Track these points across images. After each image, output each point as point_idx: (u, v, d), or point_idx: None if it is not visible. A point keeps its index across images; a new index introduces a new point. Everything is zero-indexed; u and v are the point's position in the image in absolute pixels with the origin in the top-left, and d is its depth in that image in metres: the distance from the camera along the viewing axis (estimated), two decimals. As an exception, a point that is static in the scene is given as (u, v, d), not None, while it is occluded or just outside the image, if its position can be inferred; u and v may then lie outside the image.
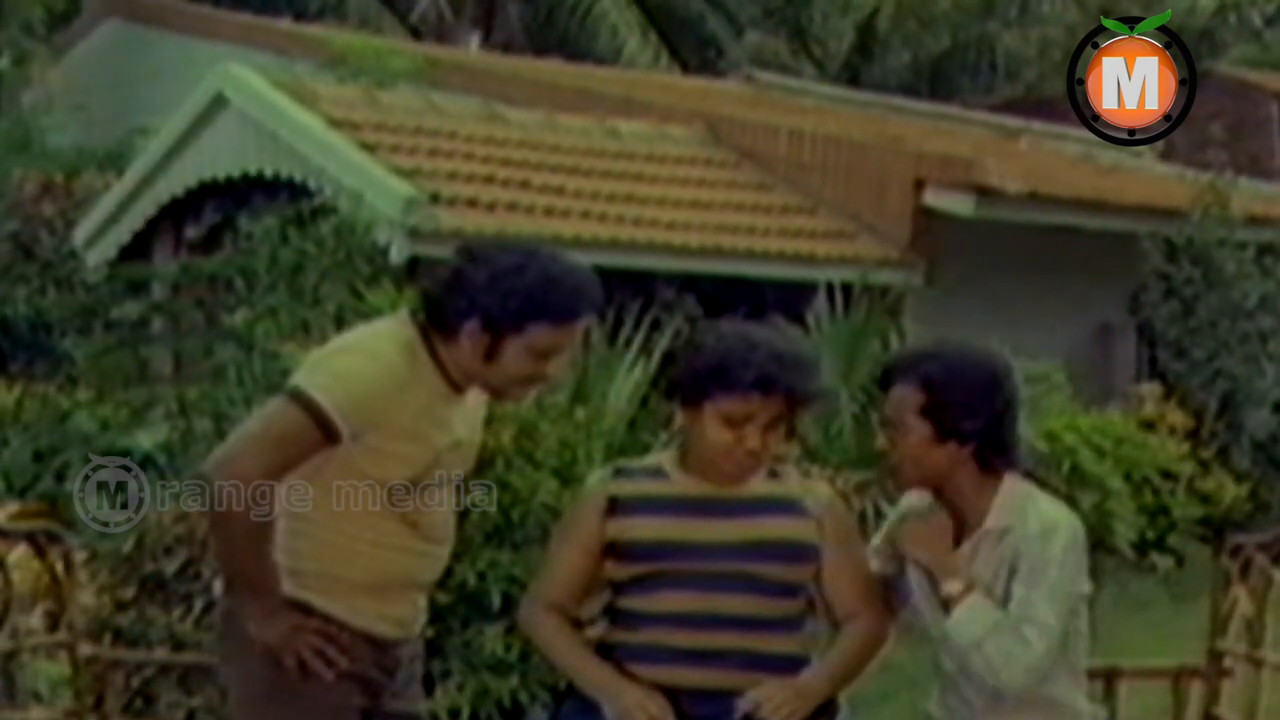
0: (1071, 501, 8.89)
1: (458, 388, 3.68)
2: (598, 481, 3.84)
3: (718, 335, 3.72)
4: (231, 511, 3.50)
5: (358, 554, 3.63)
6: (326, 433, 3.53)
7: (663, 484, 3.73)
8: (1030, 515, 3.61)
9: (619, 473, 3.81)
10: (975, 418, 3.61)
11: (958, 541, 3.69)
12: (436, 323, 3.63)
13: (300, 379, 3.59)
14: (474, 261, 3.61)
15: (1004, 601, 3.58)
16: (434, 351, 3.64)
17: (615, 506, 3.71)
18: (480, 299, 3.56)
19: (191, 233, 12.29)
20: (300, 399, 3.54)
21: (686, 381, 3.68)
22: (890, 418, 3.69)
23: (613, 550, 3.70)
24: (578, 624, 3.80)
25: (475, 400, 3.78)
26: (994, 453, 3.65)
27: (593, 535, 3.71)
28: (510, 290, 3.55)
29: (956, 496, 3.68)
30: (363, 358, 3.61)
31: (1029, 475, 3.77)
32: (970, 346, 3.78)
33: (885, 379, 3.74)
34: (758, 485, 3.73)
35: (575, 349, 3.76)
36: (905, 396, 3.65)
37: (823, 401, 3.77)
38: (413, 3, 20.40)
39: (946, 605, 3.60)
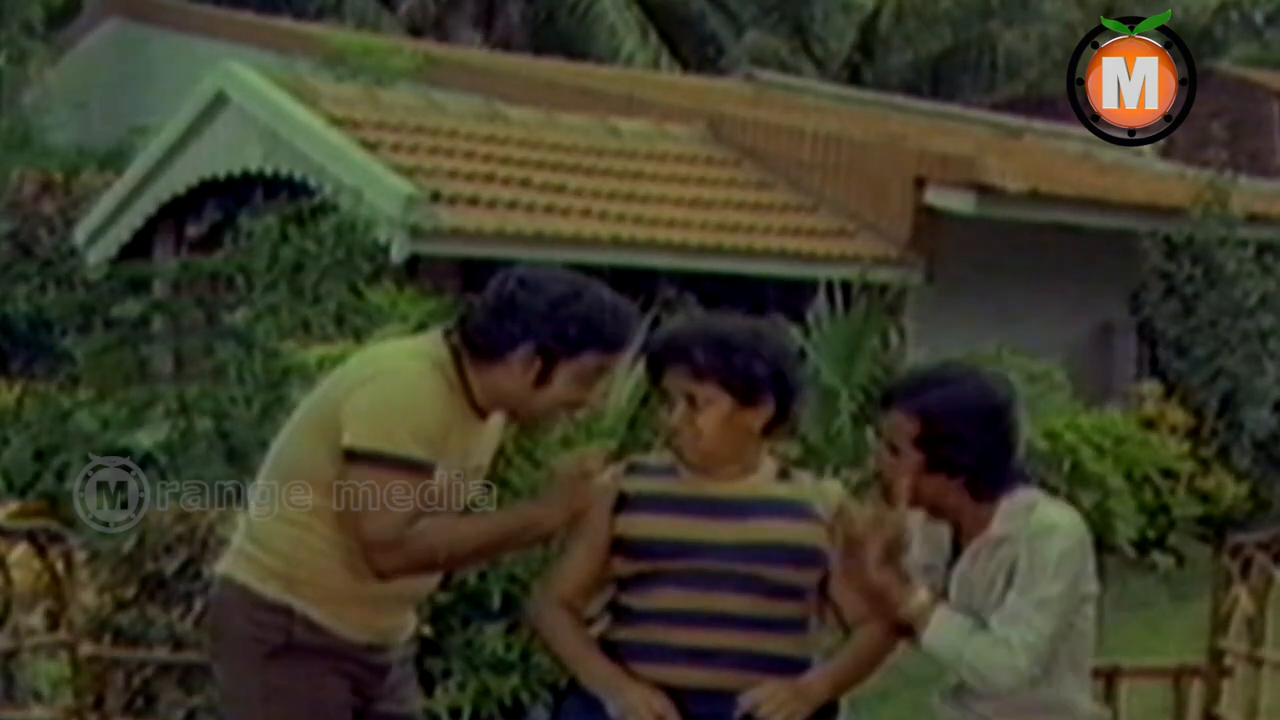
0: (1072, 500, 8.92)
1: (481, 413, 3.70)
2: (610, 478, 3.84)
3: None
4: (430, 563, 3.69)
5: (353, 566, 3.63)
6: (425, 472, 3.57)
7: (671, 482, 3.74)
8: (1030, 521, 3.57)
9: (631, 469, 3.81)
10: (967, 452, 3.57)
11: (957, 552, 3.68)
12: (478, 348, 3.64)
13: (373, 442, 3.54)
14: (526, 288, 3.63)
15: (999, 607, 3.58)
16: (462, 374, 3.65)
17: (623, 502, 3.72)
18: (536, 325, 3.59)
19: (192, 231, 12.30)
20: (380, 459, 3.53)
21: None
22: (888, 440, 3.68)
23: (619, 546, 3.71)
24: (588, 621, 3.80)
25: (494, 425, 3.80)
26: (985, 484, 3.61)
27: (601, 532, 3.72)
28: (568, 317, 3.59)
29: (952, 516, 3.67)
30: (412, 398, 3.59)
31: (1038, 484, 3.75)
32: (975, 376, 3.71)
33: (886, 400, 3.73)
34: (767, 486, 3.74)
35: (612, 377, 3.81)
36: (901, 423, 3.62)
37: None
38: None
39: (912, 625, 3.58)
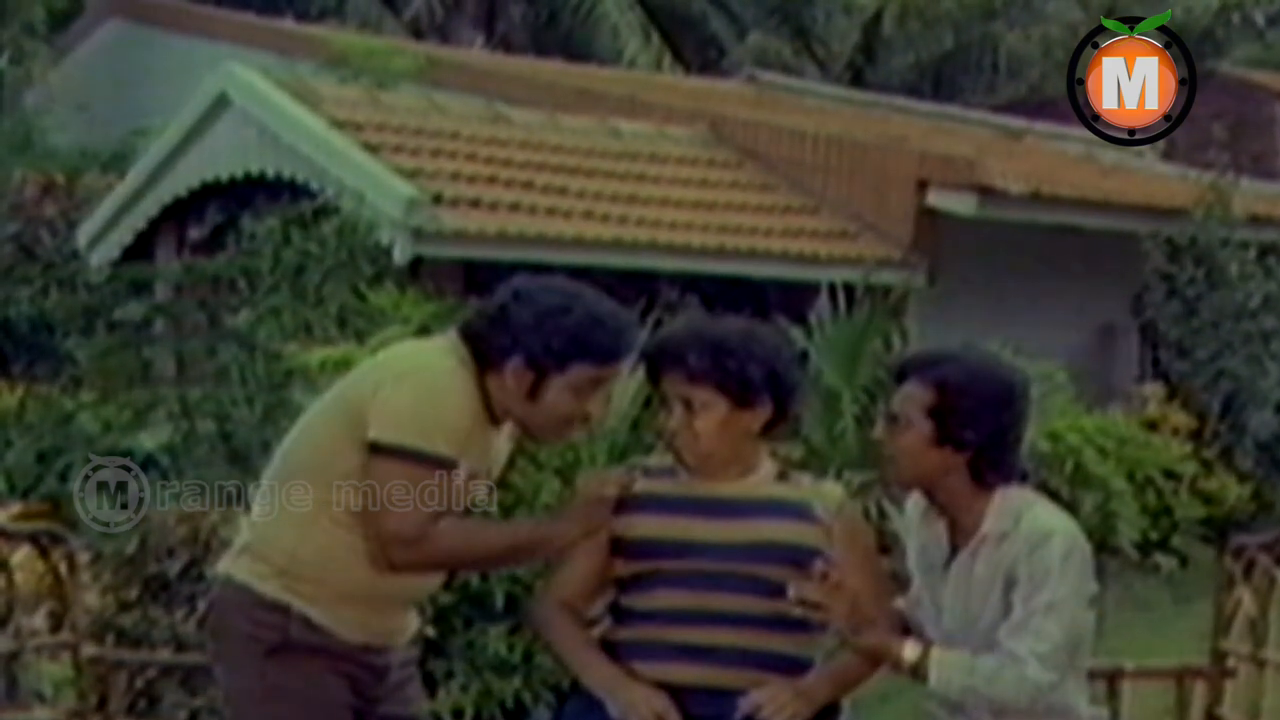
0: (1074, 502, 8.95)
1: (495, 419, 3.71)
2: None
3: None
4: (445, 563, 3.79)
5: (352, 565, 3.63)
6: (451, 469, 3.59)
7: (670, 483, 3.76)
8: (1025, 522, 3.58)
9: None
10: (977, 429, 3.60)
11: (954, 548, 3.68)
12: (481, 356, 3.66)
13: (403, 437, 3.55)
14: (519, 300, 3.65)
15: (1001, 608, 3.58)
16: (481, 378, 3.67)
17: (622, 504, 3.73)
18: (524, 337, 3.61)
19: (194, 233, 12.30)
20: (411, 455, 3.54)
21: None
22: (895, 411, 3.68)
23: (619, 547, 3.73)
24: (590, 622, 3.82)
25: (505, 433, 3.81)
26: (988, 466, 3.62)
27: (601, 534, 3.73)
28: (555, 329, 3.60)
29: (949, 501, 3.67)
30: (444, 396, 3.61)
31: (1039, 485, 3.75)
32: (992, 359, 3.78)
33: (900, 373, 3.74)
34: (766, 487, 3.75)
35: (612, 390, 3.82)
36: (915, 393, 3.64)
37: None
38: (410, 1, 20.39)
39: (915, 673, 3.60)
